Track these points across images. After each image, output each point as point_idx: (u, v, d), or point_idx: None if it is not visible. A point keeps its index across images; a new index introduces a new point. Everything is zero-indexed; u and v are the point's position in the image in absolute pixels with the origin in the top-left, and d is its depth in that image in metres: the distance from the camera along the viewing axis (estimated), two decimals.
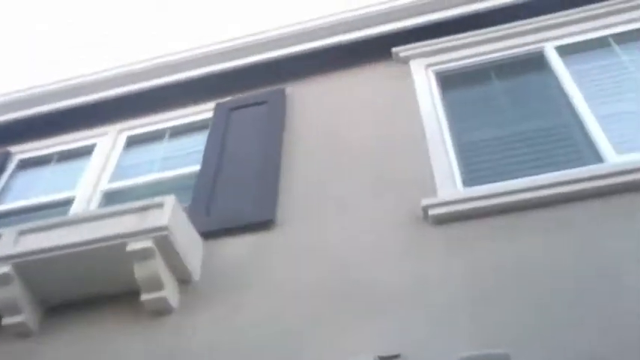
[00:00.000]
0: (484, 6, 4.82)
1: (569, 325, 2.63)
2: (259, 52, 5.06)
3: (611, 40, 4.41)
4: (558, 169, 3.49)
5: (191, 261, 3.50)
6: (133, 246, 3.32)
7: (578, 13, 4.57)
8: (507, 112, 4.15)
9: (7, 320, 3.41)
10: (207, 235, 3.73)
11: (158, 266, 3.32)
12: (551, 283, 2.84)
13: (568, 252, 2.97)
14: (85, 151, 5.07)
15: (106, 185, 4.62)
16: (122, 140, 5.05)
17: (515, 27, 4.66)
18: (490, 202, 3.32)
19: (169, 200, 3.51)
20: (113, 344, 3.26)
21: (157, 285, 3.31)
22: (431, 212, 3.36)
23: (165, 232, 3.34)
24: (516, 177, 3.53)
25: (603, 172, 3.27)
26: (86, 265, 3.42)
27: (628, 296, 2.68)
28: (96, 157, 4.91)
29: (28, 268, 3.42)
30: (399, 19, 4.92)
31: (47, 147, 5.24)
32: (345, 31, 4.95)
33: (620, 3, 4.51)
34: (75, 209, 4.39)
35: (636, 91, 3.97)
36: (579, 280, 2.83)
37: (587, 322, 2.62)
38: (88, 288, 3.49)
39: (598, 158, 3.50)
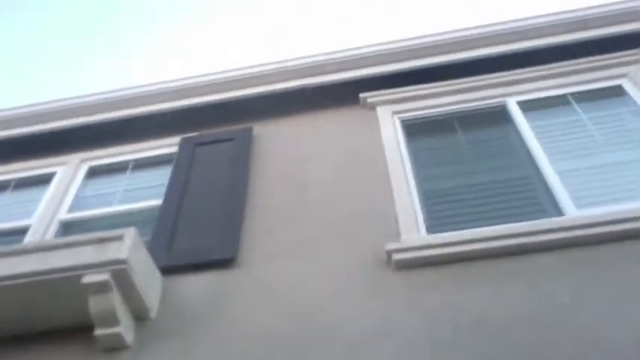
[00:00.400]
0: (450, 59, 4.97)
1: None
2: (228, 90, 5.08)
3: (570, 98, 4.58)
4: (520, 220, 3.56)
5: (149, 297, 3.41)
6: (90, 278, 3.23)
7: (541, 70, 4.75)
8: (471, 162, 4.23)
9: None
10: (167, 270, 3.65)
11: (114, 301, 3.22)
12: (510, 333, 2.86)
13: (527, 303, 3.01)
14: (44, 179, 4.96)
15: (64, 215, 4.51)
16: (83, 170, 4.96)
17: (479, 80, 4.81)
18: (453, 250, 3.36)
19: (129, 233, 3.43)
20: None
21: (112, 320, 3.21)
22: (394, 257, 3.37)
23: (124, 266, 3.26)
24: (479, 226, 3.59)
25: (563, 224, 3.35)
26: (39, 296, 3.30)
27: (583, 350, 2.71)
28: (55, 186, 4.80)
29: None
30: (367, 65, 5.02)
31: (4, 173, 5.10)
32: (315, 74, 5.02)
33: (581, 64, 4.70)
34: (30, 238, 4.26)
35: (594, 148, 4.11)
36: (538, 332, 2.86)
37: None
38: (41, 319, 3.36)
39: (558, 211, 3.60)
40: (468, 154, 4.32)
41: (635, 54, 4.71)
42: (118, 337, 3.20)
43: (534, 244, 3.29)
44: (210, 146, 4.73)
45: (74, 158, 5.04)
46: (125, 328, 3.25)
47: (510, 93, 4.69)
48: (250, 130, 4.80)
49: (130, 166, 4.95)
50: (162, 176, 4.70)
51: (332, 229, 3.77)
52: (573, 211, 3.54)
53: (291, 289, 3.40)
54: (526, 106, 4.57)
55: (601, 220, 3.33)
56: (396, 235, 3.58)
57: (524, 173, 4.03)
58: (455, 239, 3.41)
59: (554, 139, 4.23)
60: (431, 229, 3.67)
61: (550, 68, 4.75)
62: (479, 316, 2.99)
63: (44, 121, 5.22)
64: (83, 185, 4.85)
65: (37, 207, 4.63)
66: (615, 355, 2.66)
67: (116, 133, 5.11)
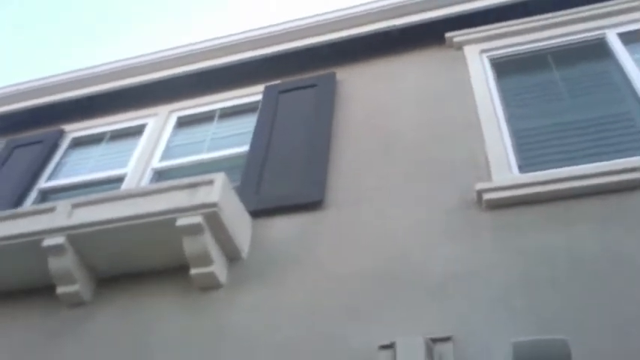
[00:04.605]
0: None
1: (631, 315, 2.52)
2: (310, 36, 5.03)
3: None
4: (619, 157, 3.36)
5: (240, 238, 3.49)
6: (183, 221, 3.33)
7: None
8: (566, 100, 4.01)
9: (61, 289, 3.47)
10: (256, 214, 3.72)
11: (207, 242, 3.32)
12: (607, 271, 2.74)
13: (624, 241, 2.85)
14: (136, 131, 5.13)
15: (156, 164, 4.67)
16: (173, 120, 5.09)
17: (574, 13, 4.52)
18: (546, 189, 3.22)
19: (219, 177, 3.51)
20: (161, 317, 3.28)
21: (205, 260, 3.32)
22: (485, 197, 3.28)
23: (214, 209, 3.34)
24: (574, 164, 3.41)
25: None
26: (137, 238, 3.45)
27: None
28: (147, 137, 4.96)
29: (81, 239, 3.47)
30: (453, 3, 4.82)
31: (99, 126, 5.32)
32: (397, 16, 4.88)
33: None
34: (126, 186, 4.44)
35: None
36: (637, 269, 2.71)
37: None
38: (139, 261, 3.52)
39: None
40: (564, 91, 4.09)
41: None
42: (212, 276, 3.31)
43: (636, 180, 3.09)
44: (294, 93, 4.73)
45: (163, 110, 5.18)
46: (218, 268, 3.35)
47: (610, 25, 4.38)
48: (333, 75, 4.75)
49: (217, 115, 5.03)
50: (247, 124, 4.76)
51: (420, 172, 3.70)
52: None
53: (379, 232, 3.38)
54: (628, 38, 4.26)
55: None
56: (487, 176, 3.47)
57: (626, 109, 3.78)
58: (549, 177, 3.27)
59: None
60: (523, 168, 3.53)
61: None
62: (576, 256, 2.87)
63: (134, 75, 5.38)
64: (173, 135, 4.98)
65: (131, 157, 4.81)
66: None
67: (202, 84, 5.19)
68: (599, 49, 4.31)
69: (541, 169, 3.46)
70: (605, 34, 4.35)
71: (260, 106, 4.75)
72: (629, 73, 3.94)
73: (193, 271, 3.32)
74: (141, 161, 4.70)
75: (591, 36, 4.40)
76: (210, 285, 3.34)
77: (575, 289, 2.72)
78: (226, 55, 5.20)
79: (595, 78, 4.14)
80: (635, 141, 3.53)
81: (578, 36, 4.42)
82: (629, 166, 3.18)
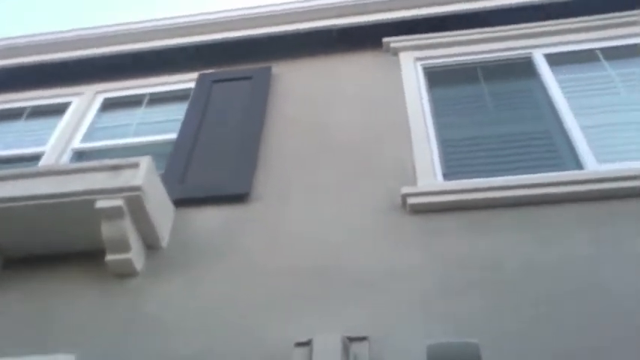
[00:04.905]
0: (477, 6, 4.83)
1: (542, 323, 2.63)
2: (249, 27, 4.98)
3: (599, 53, 4.45)
4: (536, 172, 3.50)
5: (161, 226, 3.41)
6: (103, 203, 3.22)
7: (569, 23, 4.61)
8: (492, 113, 4.15)
9: None
10: (180, 202, 3.64)
11: (126, 227, 3.22)
12: (524, 280, 2.84)
13: (544, 253, 2.97)
14: (59, 109, 4.93)
15: (77, 144, 4.49)
16: (98, 101, 4.92)
17: (505, 30, 4.68)
18: (470, 197, 3.31)
19: (145, 161, 3.41)
20: (72, 302, 3.15)
21: (123, 246, 3.21)
22: (410, 201, 3.33)
23: (138, 193, 3.24)
24: (497, 175, 3.53)
25: (584, 177, 3.29)
26: (52, 218, 3.30)
27: (603, 299, 2.69)
28: (69, 115, 4.77)
29: None
30: (393, 9, 4.90)
31: (19, 101, 5.08)
32: (338, 16, 4.91)
33: (611, 18, 4.56)
34: (44, 163, 4.25)
35: (619, 105, 4.01)
36: (554, 279, 2.83)
37: (560, 321, 2.62)
38: (52, 243, 3.38)
39: (579, 165, 3.53)
40: (490, 104, 4.23)
41: None
42: (128, 263, 3.21)
43: (553, 195, 3.23)
44: (228, 84, 4.67)
45: (90, 89, 5.00)
46: (136, 255, 3.26)
47: (537, 45, 4.57)
48: (269, 69, 4.72)
49: (146, 100, 4.90)
50: (177, 112, 4.66)
51: (347, 172, 3.73)
52: (594, 165, 3.47)
53: (304, 228, 3.38)
54: (552, 59, 4.45)
55: (622, 175, 3.26)
56: (413, 181, 3.54)
57: (546, 126, 3.95)
58: (471, 186, 3.37)
59: (579, 94, 4.13)
60: (448, 176, 3.61)
61: (579, 22, 4.61)
62: (493, 263, 2.96)
63: (61, 50, 5.16)
64: (98, 116, 4.81)
65: (51, 135, 4.61)
66: (635, 309, 2.63)
67: (133, 67, 5.05)
68: (525, 68, 4.48)
69: (464, 178, 3.56)
70: (532, 53, 4.53)
71: (192, 93, 4.66)
72: (552, 94, 4.12)
73: (109, 257, 3.21)
74: (61, 140, 4.51)
75: (519, 54, 4.57)
76: (125, 272, 3.23)
77: (490, 294, 2.81)
78: (161, 38, 5.07)
79: (520, 95, 4.30)
80: (552, 158, 3.69)
81: (507, 53, 4.59)
82: (545, 181, 3.32)
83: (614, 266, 2.85)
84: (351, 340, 2.57)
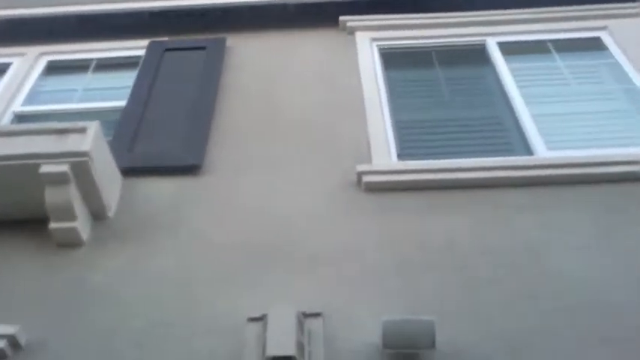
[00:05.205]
0: None
1: (494, 302, 2.68)
2: None
3: (550, 45, 4.55)
4: (487, 156, 3.56)
5: (108, 195, 3.28)
6: (48, 168, 3.07)
7: (524, 14, 4.71)
8: (446, 97, 4.19)
9: None
10: (128, 172, 3.52)
11: (72, 194, 3.08)
12: (477, 260, 2.89)
13: (493, 233, 3.03)
14: None
15: (18, 107, 4.28)
16: (42, 64, 4.69)
17: (461, 17, 4.74)
18: (424, 177, 3.34)
19: (93, 126, 3.26)
20: (15, 271, 3.00)
21: (68, 214, 3.08)
22: (365, 179, 3.33)
23: (85, 158, 3.10)
24: (450, 157, 3.57)
25: (533, 163, 3.37)
26: None
27: (551, 280, 2.76)
28: (9, 77, 4.53)
29: None
30: None
31: None
32: None
33: (565, 11, 4.67)
34: None
35: (569, 96, 4.12)
36: (504, 259, 2.89)
37: (511, 301, 2.68)
38: None
39: (529, 151, 3.61)
40: (444, 88, 4.27)
41: (617, 8, 4.71)
42: (73, 232, 3.08)
43: (504, 178, 3.30)
44: (181, 53, 4.53)
45: (32, 50, 4.76)
46: (81, 224, 3.13)
47: (491, 33, 4.63)
48: (224, 40, 4.61)
49: (93, 65, 4.71)
50: (126, 79, 4.49)
51: (302, 148, 3.69)
52: (544, 152, 3.55)
53: (257, 203, 3.33)
54: (505, 48, 4.52)
55: (570, 162, 3.36)
56: (368, 160, 3.53)
57: (499, 113, 4.02)
58: (426, 167, 3.40)
59: (531, 83, 4.21)
60: (402, 157, 3.63)
61: (533, 12, 4.71)
62: (446, 242, 3.00)
63: (2, 7, 4.88)
64: (41, 79, 4.60)
65: None
66: (581, 290, 2.71)
67: (80, 29, 4.83)
68: (479, 55, 4.54)
69: (418, 159, 3.58)
70: (485, 40, 4.59)
71: (142, 60, 4.50)
72: (504, 81, 4.18)
73: (53, 225, 3.07)
74: (1, 102, 4.28)
75: (473, 41, 4.63)
76: (70, 242, 3.10)
77: (443, 273, 2.84)
78: (111, 1, 4.86)
79: (474, 81, 4.36)
80: (503, 143, 3.77)
81: (462, 39, 4.64)
82: (496, 164, 3.39)
83: (560, 250, 2.93)
84: (306, 316, 2.55)
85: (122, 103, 4.17)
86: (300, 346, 2.34)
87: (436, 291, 2.74)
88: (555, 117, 3.92)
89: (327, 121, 3.90)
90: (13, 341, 2.60)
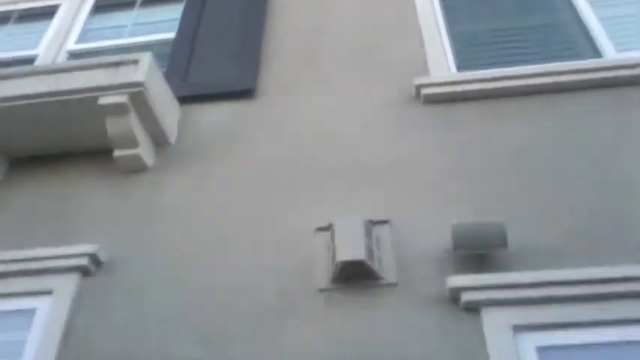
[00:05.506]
0: None
1: (562, 204, 2.61)
2: None
3: None
4: (548, 62, 3.41)
5: (167, 122, 3.30)
6: (106, 100, 3.10)
7: None
8: (505, 6, 3.99)
9: None
10: (184, 100, 3.53)
11: (132, 123, 3.11)
12: (541, 164, 2.80)
13: (560, 137, 2.92)
14: (48, 12, 4.69)
15: (72, 45, 4.30)
16: (89, 3, 4.68)
17: None
18: (485, 86, 3.22)
19: (145, 57, 3.26)
20: (86, 196, 3.09)
21: (130, 142, 3.12)
22: (424, 91, 3.24)
23: (140, 88, 3.12)
24: (508, 66, 3.43)
25: (603, 65, 3.20)
26: (55, 117, 3.18)
27: (622, 180, 2.66)
28: (60, 18, 4.54)
29: None
30: None
31: (5, 4, 4.82)
32: None
33: None
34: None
35: None
36: (570, 164, 2.79)
37: (579, 203, 2.60)
38: (58, 142, 3.28)
39: (597, 54, 3.43)
40: None
41: None
42: (137, 158, 3.13)
43: (572, 82, 3.15)
44: None
45: None
46: (144, 151, 3.17)
47: None
48: None
49: (139, 1, 4.67)
50: (173, 12, 4.46)
51: (357, 65, 3.60)
52: (613, 54, 3.37)
53: (314, 120, 3.29)
54: None
55: None
56: (425, 72, 3.43)
57: (563, 18, 3.81)
58: (487, 76, 3.27)
59: None
60: (461, 67, 3.50)
61: None
62: (508, 148, 2.91)
63: None
64: (90, 18, 4.60)
65: (43, 38, 4.41)
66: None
67: None
68: None
69: (477, 69, 3.45)
70: None
71: None
72: None
73: (118, 153, 3.12)
74: (54, 43, 4.31)
75: None
76: (136, 168, 3.15)
77: (507, 177, 2.77)
78: None
79: None
80: (570, 48, 3.58)
81: None
82: (563, 69, 3.23)
83: (632, 150, 2.80)
84: (373, 223, 2.53)
85: (171, 35, 4.15)
86: (370, 252, 2.33)
87: (501, 196, 2.67)
88: (623, 19, 3.70)
89: (381, 37, 3.79)
90: (95, 259, 2.73)
